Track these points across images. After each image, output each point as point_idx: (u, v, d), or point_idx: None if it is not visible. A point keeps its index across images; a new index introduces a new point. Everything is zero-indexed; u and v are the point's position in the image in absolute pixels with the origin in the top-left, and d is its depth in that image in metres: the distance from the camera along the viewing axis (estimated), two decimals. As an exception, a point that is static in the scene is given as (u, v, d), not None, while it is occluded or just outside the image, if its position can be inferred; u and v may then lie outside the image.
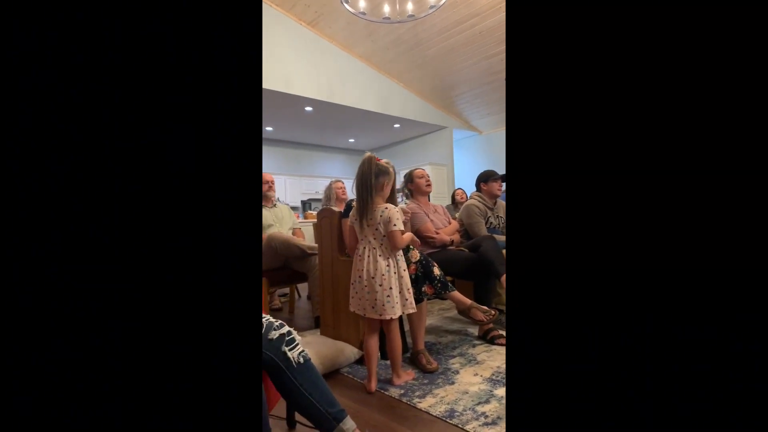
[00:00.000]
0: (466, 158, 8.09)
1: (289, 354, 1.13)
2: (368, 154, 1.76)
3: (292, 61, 5.55)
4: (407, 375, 1.74)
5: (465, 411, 1.39)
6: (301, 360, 1.15)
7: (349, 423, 1.14)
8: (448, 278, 2.09)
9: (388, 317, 1.64)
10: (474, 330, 2.33)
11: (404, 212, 1.82)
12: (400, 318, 1.83)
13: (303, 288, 4.18)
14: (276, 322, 1.20)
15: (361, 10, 3.43)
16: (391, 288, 1.64)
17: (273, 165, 8.16)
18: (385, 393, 1.63)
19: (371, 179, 1.69)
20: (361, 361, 1.98)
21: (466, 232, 2.63)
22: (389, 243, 1.68)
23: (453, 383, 1.65)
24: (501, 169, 3.20)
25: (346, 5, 3.31)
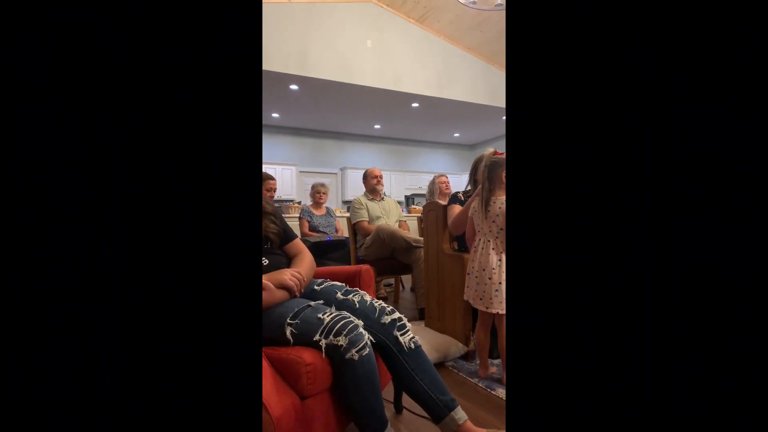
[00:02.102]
0: None
1: (401, 338, 1.14)
2: (489, 150, 1.76)
3: (401, 58, 5.58)
4: None
5: None
6: (412, 345, 1.15)
7: (460, 413, 1.13)
8: None
9: (494, 311, 1.63)
10: None
11: None
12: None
13: (407, 280, 4.21)
14: (388, 307, 1.21)
15: (472, 0, 3.33)
16: (500, 283, 1.62)
17: (380, 161, 8.20)
18: (492, 392, 1.61)
19: (491, 172, 1.69)
20: (465, 357, 1.98)
21: None
22: None
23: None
24: None
25: None
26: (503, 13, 4.74)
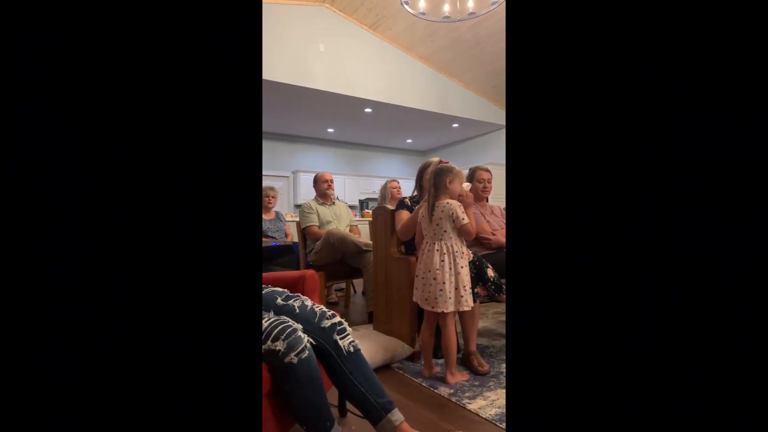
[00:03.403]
0: None
1: (341, 342, 1.15)
2: (435, 158, 1.84)
3: (354, 63, 5.63)
4: (461, 375, 1.75)
5: None
6: (352, 349, 1.16)
7: (397, 414, 1.14)
8: (503, 280, 2.09)
9: (439, 310, 1.69)
10: None
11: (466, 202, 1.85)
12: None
13: (359, 284, 4.23)
14: (328, 311, 1.22)
15: (421, 11, 3.39)
16: (444, 283, 1.68)
17: (333, 165, 8.22)
18: (435, 391, 1.64)
19: (436, 178, 1.79)
20: (411, 357, 2.02)
21: None
22: (464, 235, 1.77)
23: (504, 387, 1.64)
24: None
25: (406, 6, 3.27)
26: (452, 25, 4.74)
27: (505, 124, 7.14)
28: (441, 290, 1.69)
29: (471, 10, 3.49)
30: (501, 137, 7.49)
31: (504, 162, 7.58)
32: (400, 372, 1.85)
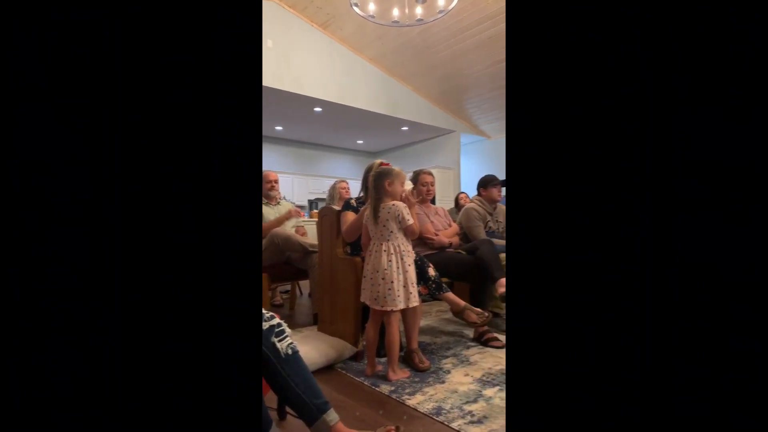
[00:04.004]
0: (472, 162, 8.11)
1: (278, 345, 1.15)
2: (377, 161, 1.89)
3: (304, 62, 5.57)
4: (402, 373, 1.79)
5: (452, 409, 1.42)
6: (290, 351, 1.16)
7: (332, 415, 1.16)
8: (445, 280, 2.12)
9: (389, 309, 1.73)
10: (470, 332, 2.36)
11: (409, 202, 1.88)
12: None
13: (305, 285, 4.21)
14: (267, 313, 1.21)
15: (371, 13, 3.42)
16: (392, 281, 1.72)
17: (282, 164, 8.15)
18: (376, 389, 1.66)
19: (377, 181, 1.82)
20: (355, 357, 2.04)
21: (465, 235, 2.66)
22: (408, 235, 1.81)
23: (443, 382, 1.69)
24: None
25: (355, 8, 3.31)
26: (402, 29, 4.75)
27: (453, 129, 7.15)
28: (390, 289, 1.73)
29: (419, 17, 3.54)
30: (449, 141, 7.48)
31: (452, 166, 7.61)
32: (343, 372, 1.87)
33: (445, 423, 1.33)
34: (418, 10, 3.55)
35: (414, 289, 1.76)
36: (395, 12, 3.58)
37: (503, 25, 4.75)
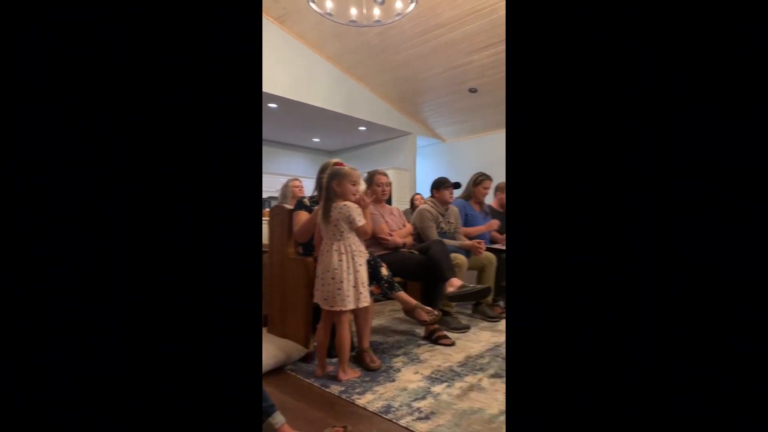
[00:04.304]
0: (428, 165, 8.09)
1: None
2: (332, 160, 1.90)
3: None
4: (353, 373, 1.80)
5: (401, 407, 1.44)
6: None
7: (278, 418, 1.17)
8: (398, 279, 2.16)
9: (338, 308, 1.74)
10: (421, 331, 2.41)
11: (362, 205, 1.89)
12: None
13: None
14: None
15: (328, 11, 3.42)
16: (342, 281, 1.74)
17: None
18: (326, 390, 1.67)
19: (330, 181, 1.83)
20: (305, 358, 2.00)
21: (419, 235, 2.73)
22: (361, 236, 1.81)
23: (393, 381, 1.68)
24: (463, 178, 3.32)
25: (312, 4, 3.29)
26: (360, 29, 4.75)
27: (409, 131, 7.12)
28: (339, 289, 1.74)
29: (377, 18, 3.56)
30: (406, 143, 7.39)
31: (408, 167, 7.58)
32: (293, 374, 1.88)
33: (394, 420, 1.34)
34: (376, 11, 3.55)
35: (364, 290, 1.77)
36: (353, 11, 3.58)
37: (458, 32, 4.76)
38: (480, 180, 3.04)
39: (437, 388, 1.58)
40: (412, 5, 3.30)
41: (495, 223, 3.01)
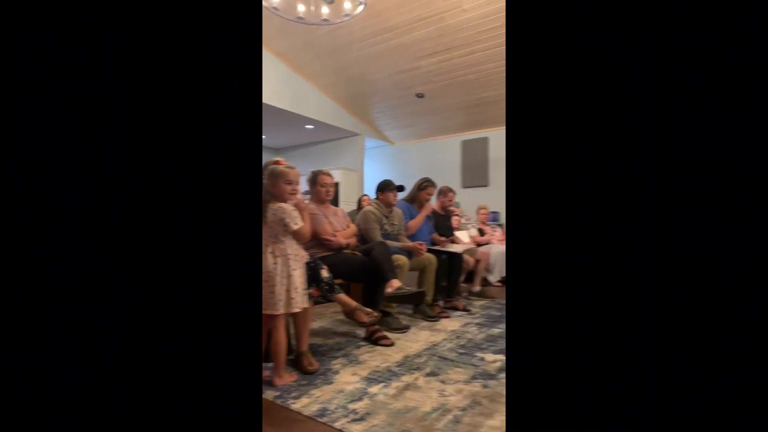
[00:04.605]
0: (377, 166, 8.08)
1: None
2: (274, 159, 1.88)
3: None
4: (289, 377, 1.77)
5: (337, 409, 1.44)
6: None
7: None
8: (340, 281, 2.15)
9: (269, 312, 1.72)
10: (362, 332, 2.34)
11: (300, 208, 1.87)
12: (287, 321, 1.88)
13: None
14: None
15: (274, 5, 3.41)
16: (275, 285, 1.71)
17: None
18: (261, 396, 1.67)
19: (268, 180, 1.80)
20: None
21: (363, 237, 2.75)
22: (298, 239, 1.78)
23: (331, 383, 1.67)
24: (410, 180, 3.38)
25: None
26: (309, 27, 4.72)
27: (357, 132, 7.08)
28: (271, 293, 1.72)
29: (325, 17, 3.55)
30: (354, 144, 7.38)
31: (356, 168, 7.55)
32: None
33: (328, 423, 1.34)
34: (324, 10, 3.52)
35: (297, 294, 1.75)
36: (300, 8, 3.57)
37: (407, 37, 4.75)
38: (425, 186, 3.13)
39: (374, 389, 1.57)
40: (361, 7, 3.29)
41: (429, 208, 3.11)
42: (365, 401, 1.48)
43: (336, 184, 2.76)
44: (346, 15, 3.46)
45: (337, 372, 1.82)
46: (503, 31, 4.41)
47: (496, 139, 6.45)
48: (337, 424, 1.32)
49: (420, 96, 5.98)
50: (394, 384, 1.60)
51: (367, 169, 7.76)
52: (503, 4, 4.06)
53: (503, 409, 1.36)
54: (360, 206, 4.57)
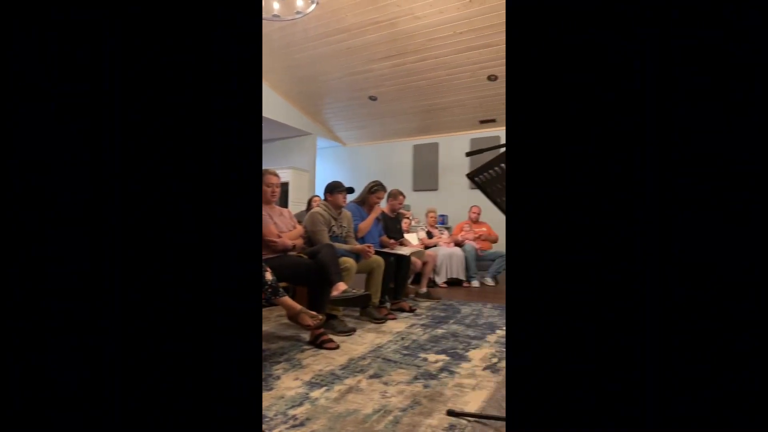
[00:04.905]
0: (329, 167, 7.98)
1: None
2: None
3: None
4: None
5: (276, 416, 1.38)
6: None
7: None
8: (284, 284, 2.11)
9: None
10: (307, 335, 2.30)
11: None
12: None
13: None
14: None
15: None
16: None
17: None
18: None
19: None
20: None
21: (310, 239, 2.72)
22: None
23: (271, 389, 1.63)
24: (363, 182, 3.37)
25: None
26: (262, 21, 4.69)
27: (309, 132, 6.90)
28: None
29: (276, 12, 3.52)
30: (306, 143, 7.26)
31: (307, 168, 7.50)
32: None
33: (267, 431, 1.32)
34: (275, 5, 3.48)
35: None
36: None
37: (360, 40, 4.71)
38: (375, 189, 3.13)
39: (315, 393, 1.54)
40: (313, 6, 3.26)
41: (379, 210, 3.14)
42: (306, 406, 1.46)
43: (285, 184, 2.73)
44: (298, 12, 3.43)
45: (278, 378, 1.78)
46: (454, 40, 4.43)
47: (445, 145, 6.52)
48: (276, 431, 1.30)
49: (373, 99, 5.97)
50: (337, 387, 1.57)
51: (319, 169, 7.67)
52: (454, 14, 4.07)
53: (442, 408, 1.37)
54: (310, 207, 4.53)
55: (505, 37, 4.23)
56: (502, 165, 1.04)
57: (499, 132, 5.97)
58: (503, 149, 0.96)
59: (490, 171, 1.12)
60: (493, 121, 5.95)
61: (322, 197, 3.66)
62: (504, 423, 1.27)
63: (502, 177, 1.08)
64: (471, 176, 1.24)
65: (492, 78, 5.00)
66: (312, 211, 2.81)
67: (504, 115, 5.77)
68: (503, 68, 4.83)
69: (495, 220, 4.84)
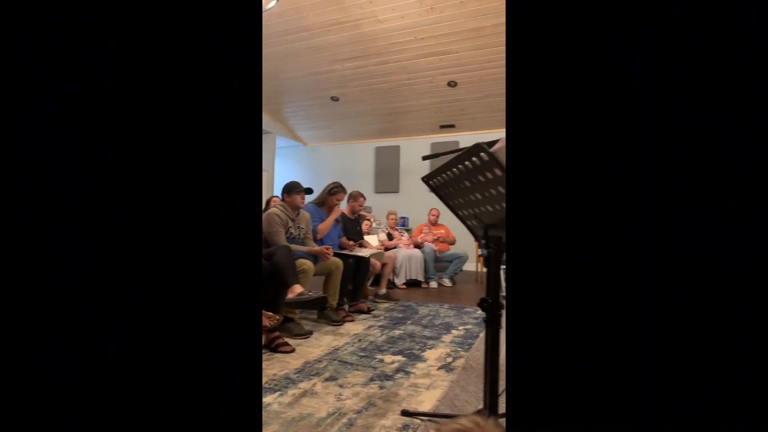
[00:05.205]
0: (289, 167, 7.84)
1: None
2: None
3: None
4: None
5: None
6: None
7: None
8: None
9: None
10: (262, 339, 2.33)
11: None
12: None
13: None
14: None
15: None
16: None
17: None
18: None
19: None
20: None
21: (266, 239, 2.69)
22: None
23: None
24: (323, 182, 3.34)
25: None
26: None
27: (269, 130, 6.78)
28: None
29: None
30: (265, 142, 7.12)
31: (267, 168, 7.42)
32: None
33: None
34: None
35: None
36: None
37: (322, 39, 4.67)
38: (335, 191, 3.11)
39: (269, 399, 1.49)
40: (274, 2, 3.20)
41: (338, 211, 3.13)
42: None
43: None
44: (263, 9, 3.41)
45: (228, 384, 1.76)
46: (415, 45, 4.44)
47: (406, 148, 6.52)
48: None
49: (335, 99, 5.94)
50: (291, 391, 1.54)
51: (279, 169, 7.60)
52: (416, 19, 4.07)
53: (397, 408, 1.36)
54: (268, 207, 4.50)
55: (465, 45, 4.30)
56: (455, 169, 1.03)
57: (459, 137, 6.00)
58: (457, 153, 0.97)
59: (443, 175, 1.12)
60: (452, 126, 5.95)
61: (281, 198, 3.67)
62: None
63: (454, 180, 1.08)
64: (425, 180, 1.25)
65: (452, 84, 4.99)
66: (268, 211, 2.75)
67: (462, 121, 5.81)
68: (463, 75, 4.82)
69: (453, 222, 4.84)
